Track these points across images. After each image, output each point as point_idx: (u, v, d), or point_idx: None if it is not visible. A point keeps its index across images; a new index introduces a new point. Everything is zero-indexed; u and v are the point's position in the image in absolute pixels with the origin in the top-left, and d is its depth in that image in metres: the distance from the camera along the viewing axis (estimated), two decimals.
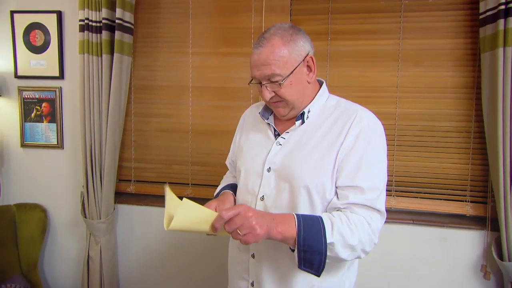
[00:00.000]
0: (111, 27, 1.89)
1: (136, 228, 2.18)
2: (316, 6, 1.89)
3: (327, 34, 1.88)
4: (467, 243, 1.81)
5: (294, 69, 0.99)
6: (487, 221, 1.77)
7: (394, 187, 1.88)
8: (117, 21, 1.85)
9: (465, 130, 1.80)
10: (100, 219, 2.03)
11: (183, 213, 0.83)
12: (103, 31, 1.87)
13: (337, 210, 0.97)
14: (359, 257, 0.96)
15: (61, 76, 2.11)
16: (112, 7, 1.87)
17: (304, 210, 0.99)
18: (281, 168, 1.03)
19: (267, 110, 1.15)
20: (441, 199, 1.85)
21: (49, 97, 2.13)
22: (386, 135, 1.04)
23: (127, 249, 2.21)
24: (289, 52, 0.98)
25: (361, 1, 1.84)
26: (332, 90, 1.15)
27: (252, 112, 1.25)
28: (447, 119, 1.81)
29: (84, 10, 1.87)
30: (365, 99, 1.86)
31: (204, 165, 2.10)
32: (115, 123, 1.96)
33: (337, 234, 0.89)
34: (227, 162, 1.37)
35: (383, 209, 0.98)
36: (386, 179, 1.01)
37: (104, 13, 1.85)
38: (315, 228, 0.89)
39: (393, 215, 1.86)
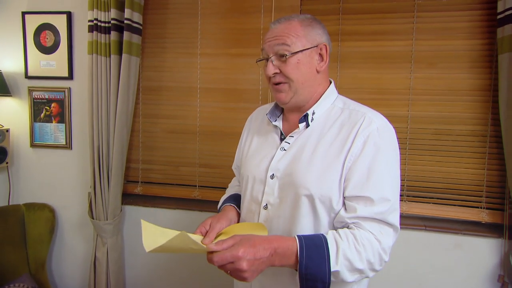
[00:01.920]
0: (119, 28, 1.88)
1: None
2: (326, 6, 1.85)
3: (337, 35, 1.85)
4: (483, 252, 1.75)
5: (305, 49, 0.97)
6: (504, 229, 1.70)
7: (406, 191, 1.82)
8: (125, 21, 1.84)
9: (481, 134, 1.74)
10: (107, 220, 2.02)
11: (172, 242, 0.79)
12: (112, 32, 1.86)
13: (345, 226, 0.91)
14: (367, 277, 0.91)
15: (70, 76, 2.11)
16: (121, 7, 1.86)
17: (308, 220, 0.95)
18: (284, 176, 0.98)
19: (275, 111, 1.11)
20: (455, 205, 1.79)
21: (58, 97, 2.14)
22: (398, 138, 0.99)
23: (134, 250, 2.19)
24: (304, 33, 0.98)
25: (373, 1, 1.80)
26: (342, 92, 1.12)
27: (259, 114, 1.21)
28: (462, 123, 1.76)
29: (93, 10, 1.87)
30: (377, 101, 1.82)
31: (211, 167, 2.07)
32: (123, 124, 1.95)
33: (343, 260, 0.83)
34: (233, 168, 1.33)
35: (396, 223, 0.91)
36: (399, 190, 0.95)
37: (113, 13, 1.84)
38: (318, 255, 0.82)
39: (405, 221, 1.80)
